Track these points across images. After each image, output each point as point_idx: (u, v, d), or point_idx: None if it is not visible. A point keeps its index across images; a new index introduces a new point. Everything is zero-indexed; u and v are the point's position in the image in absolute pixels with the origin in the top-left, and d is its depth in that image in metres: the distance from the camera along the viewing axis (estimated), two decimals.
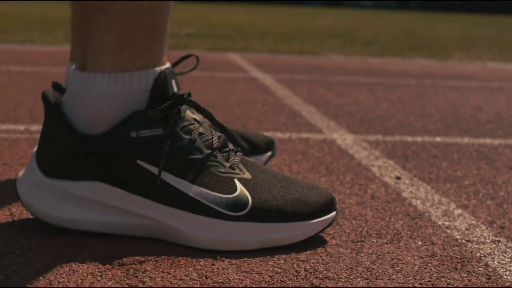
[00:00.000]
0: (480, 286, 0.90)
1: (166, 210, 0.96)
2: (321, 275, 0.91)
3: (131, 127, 0.94)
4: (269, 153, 1.43)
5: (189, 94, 1.00)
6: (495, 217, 1.22)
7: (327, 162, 1.61)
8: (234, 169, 0.99)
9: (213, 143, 1.00)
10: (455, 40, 7.96)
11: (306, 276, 0.90)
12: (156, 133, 0.94)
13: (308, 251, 0.99)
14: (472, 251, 1.03)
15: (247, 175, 1.00)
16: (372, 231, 1.10)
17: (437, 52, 5.85)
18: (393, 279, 0.91)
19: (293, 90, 2.95)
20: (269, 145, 1.44)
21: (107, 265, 0.91)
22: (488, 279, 0.93)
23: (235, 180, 0.98)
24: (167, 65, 0.99)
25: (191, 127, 0.98)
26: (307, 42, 6.41)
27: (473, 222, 1.18)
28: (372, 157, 1.67)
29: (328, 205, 1.02)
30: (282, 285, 0.87)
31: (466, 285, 0.90)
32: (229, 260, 0.94)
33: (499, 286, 0.90)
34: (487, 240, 1.09)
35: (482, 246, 1.06)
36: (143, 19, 0.95)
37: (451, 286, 0.89)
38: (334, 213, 1.03)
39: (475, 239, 1.09)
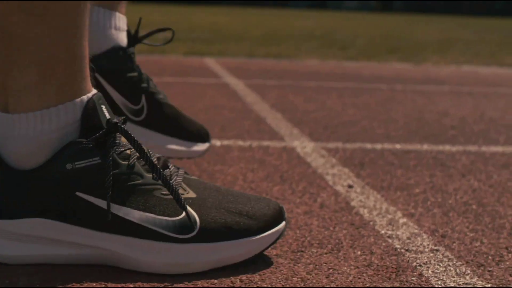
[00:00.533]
0: None
1: (112, 238, 0.94)
2: (255, 286, 0.93)
3: (66, 159, 0.91)
4: (207, 144, 1.60)
5: (124, 121, 0.96)
6: (438, 226, 1.25)
7: (283, 170, 1.63)
8: (177, 190, 0.96)
9: (154, 164, 0.96)
10: (432, 42, 8.01)
11: (240, 287, 0.93)
12: (93, 163, 0.92)
13: (247, 260, 1.01)
14: (409, 261, 1.06)
15: (192, 194, 0.99)
16: (314, 241, 1.12)
17: (413, 55, 5.89)
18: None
19: (263, 96, 2.98)
20: (206, 135, 1.61)
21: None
22: (419, 287, 0.95)
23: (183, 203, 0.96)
24: (94, 91, 0.96)
25: (128, 151, 0.96)
26: (284, 45, 6.44)
27: (416, 231, 1.21)
28: (328, 165, 1.70)
29: (277, 216, 1.01)
30: None
31: None
32: (170, 275, 0.96)
33: None
34: (426, 249, 1.11)
35: (419, 255, 1.08)
36: (62, 51, 0.92)
37: None
38: (283, 223, 1.02)
39: (414, 248, 1.12)
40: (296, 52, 5.67)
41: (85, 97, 0.95)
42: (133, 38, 1.54)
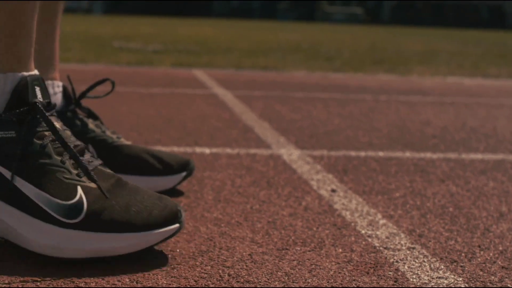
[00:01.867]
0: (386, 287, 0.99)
1: (8, 210, 0.99)
2: (242, 279, 1.00)
3: None
4: (184, 173, 1.48)
5: (51, 105, 1.04)
6: (416, 226, 1.32)
7: (269, 176, 1.70)
8: (81, 177, 1.02)
9: (68, 149, 1.03)
10: (416, 54, 8.11)
11: (228, 280, 0.99)
12: (8, 136, 0.99)
13: (235, 258, 1.08)
14: (386, 257, 1.12)
15: (92, 185, 1.03)
16: (298, 240, 1.19)
17: (398, 67, 5.98)
18: (308, 283, 1.00)
19: (250, 106, 3.05)
20: (183, 165, 1.48)
21: (43, 270, 0.99)
22: (395, 281, 1.02)
23: (78, 187, 1.01)
24: (33, 72, 1.03)
25: (46, 133, 1.02)
26: (270, 57, 6.52)
27: (394, 231, 1.28)
28: (313, 171, 1.77)
29: (170, 218, 1.05)
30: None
31: (374, 287, 0.99)
32: (161, 267, 1.03)
33: (404, 287, 1.00)
34: (403, 247, 1.18)
35: (397, 253, 1.15)
36: (5, 21, 0.99)
37: None
38: (176, 225, 1.05)
39: (392, 246, 1.19)
40: (282, 64, 5.75)
41: (19, 74, 1.02)
42: (69, 98, 1.49)
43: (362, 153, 2.05)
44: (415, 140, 2.34)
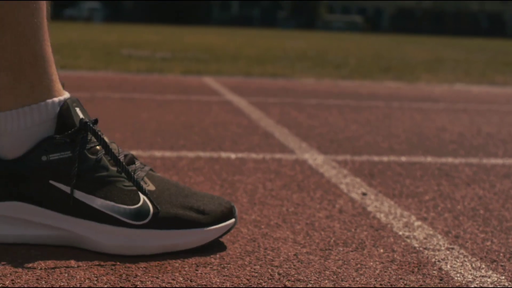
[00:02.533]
0: (433, 286, 1.02)
1: (76, 222, 1.08)
2: (293, 278, 1.02)
3: (42, 152, 1.06)
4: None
5: (96, 121, 1.12)
6: (451, 228, 1.34)
7: (299, 180, 1.72)
8: (138, 180, 1.10)
9: (120, 159, 1.11)
10: (422, 62, 8.14)
11: (279, 279, 1.02)
12: (64, 156, 1.07)
13: (281, 257, 1.11)
14: (428, 257, 1.15)
15: (151, 187, 1.12)
16: (339, 241, 1.22)
17: (405, 74, 6.01)
18: (357, 281, 1.02)
19: (266, 112, 3.08)
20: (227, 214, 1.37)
21: (101, 271, 1.02)
22: (440, 280, 1.05)
23: (139, 192, 1.10)
24: (67, 95, 1.11)
25: (98, 147, 1.11)
26: (279, 64, 6.55)
27: (431, 232, 1.30)
28: (340, 175, 1.79)
29: (227, 214, 1.14)
30: (258, 286, 0.98)
31: (421, 285, 1.02)
32: (211, 266, 1.05)
33: (450, 286, 1.02)
34: (442, 248, 1.21)
35: (437, 253, 1.18)
36: (27, 55, 1.07)
37: (408, 287, 1.01)
38: (232, 220, 1.14)
39: (431, 247, 1.21)
40: (291, 71, 5.78)
41: (57, 99, 1.10)
42: None
43: (385, 158, 2.08)
44: (435, 145, 2.36)
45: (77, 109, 1.10)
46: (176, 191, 1.14)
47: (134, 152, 1.99)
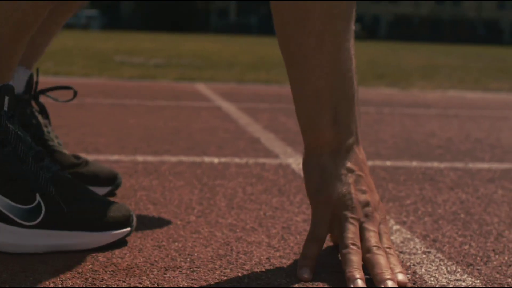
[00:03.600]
0: None
1: None
2: (262, 282, 1.01)
3: None
4: (109, 188, 1.50)
5: (13, 114, 1.09)
6: (429, 232, 1.33)
7: (280, 184, 1.71)
8: (39, 179, 1.09)
9: (28, 156, 1.10)
10: (417, 68, 8.14)
11: (248, 283, 1.00)
12: None
13: (253, 261, 1.09)
14: (403, 261, 1.13)
15: (51, 188, 1.10)
16: None
17: (399, 81, 6.00)
18: (328, 285, 1.01)
19: (255, 118, 3.06)
20: (110, 179, 1.51)
21: (68, 275, 1.00)
22: (414, 283, 1.03)
23: (37, 194, 1.08)
24: (9, 82, 1.09)
25: (10, 140, 1.08)
26: (273, 71, 6.54)
27: (409, 236, 1.29)
28: None
29: (123, 221, 1.14)
30: None
31: None
32: (180, 270, 1.04)
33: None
34: (419, 252, 1.19)
35: (413, 257, 1.16)
36: None
37: None
38: (128, 229, 1.14)
39: (407, 250, 1.19)
40: (285, 78, 5.76)
41: None
42: (30, 88, 1.50)
43: (370, 162, 2.06)
44: (422, 150, 2.35)
45: (6, 98, 1.08)
46: (76, 194, 1.12)
47: (116, 157, 1.98)
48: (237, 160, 2.02)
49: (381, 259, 0.99)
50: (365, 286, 0.95)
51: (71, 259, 1.06)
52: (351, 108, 1.10)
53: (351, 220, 1.04)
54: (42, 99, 1.54)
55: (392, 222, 1.38)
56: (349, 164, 1.09)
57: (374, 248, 1.01)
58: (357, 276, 0.96)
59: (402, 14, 47.93)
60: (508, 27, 46.88)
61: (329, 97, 1.08)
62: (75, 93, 1.54)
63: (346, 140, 1.10)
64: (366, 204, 1.07)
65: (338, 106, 1.09)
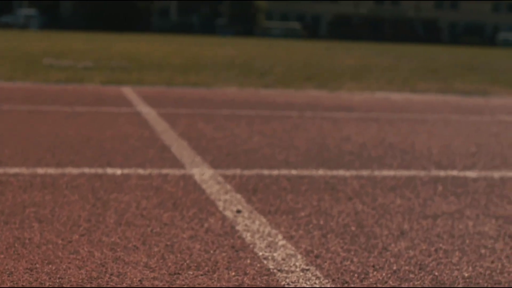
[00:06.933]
0: None
1: None
2: None
3: None
4: None
5: None
6: (314, 247, 1.32)
7: (177, 197, 1.69)
8: None
9: None
10: (349, 69, 8.19)
11: None
12: None
13: (125, 284, 1.07)
14: (278, 280, 1.12)
15: None
16: (192, 264, 1.19)
17: (329, 83, 6.03)
18: None
19: (172, 124, 3.03)
20: None
21: None
22: None
23: None
24: None
25: None
26: (203, 73, 6.51)
27: (292, 252, 1.28)
28: (222, 192, 1.76)
29: None
30: None
31: None
32: None
33: None
34: (297, 269, 1.18)
35: (290, 275, 1.15)
36: None
37: None
38: None
39: (286, 268, 1.19)
40: (214, 80, 5.75)
41: None
42: None
43: (275, 172, 2.05)
44: (332, 157, 2.35)
45: None
46: None
47: (16, 170, 1.94)
48: (140, 171, 1.99)
49: None
50: None
51: None
52: None
53: None
54: None
55: (279, 237, 1.37)
56: None
57: None
58: None
59: (342, 14, 48.34)
60: (446, 26, 47.64)
61: None
62: None
63: None
64: None
65: None
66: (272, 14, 48.62)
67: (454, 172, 2.15)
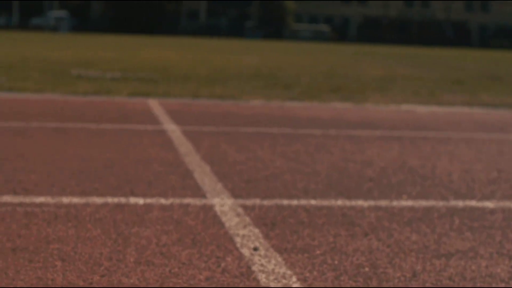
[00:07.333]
0: None
1: None
2: None
3: None
4: None
5: None
6: None
7: (196, 232, 1.73)
8: None
9: None
10: (375, 80, 8.20)
11: None
12: None
13: None
14: None
15: None
16: None
17: (354, 94, 6.05)
18: None
19: (196, 145, 3.08)
20: None
21: None
22: None
23: None
24: None
25: None
26: (229, 84, 6.57)
27: None
28: (240, 226, 1.80)
29: None
30: None
31: None
32: None
33: None
34: None
35: None
36: None
37: None
38: None
39: None
40: (239, 93, 5.79)
41: None
42: None
43: (295, 202, 2.09)
44: (352, 184, 2.39)
45: None
46: None
47: (42, 199, 1.99)
48: (162, 201, 2.04)
49: None
50: None
51: None
52: None
53: None
54: None
55: (294, 279, 1.41)
56: None
57: None
58: None
59: (371, 16, 48.26)
60: (476, 28, 47.36)
61: None
62: None
63: None
64: None
65: None
66: (301, 16, 48.59)
67: (473, 203, 2.18)
